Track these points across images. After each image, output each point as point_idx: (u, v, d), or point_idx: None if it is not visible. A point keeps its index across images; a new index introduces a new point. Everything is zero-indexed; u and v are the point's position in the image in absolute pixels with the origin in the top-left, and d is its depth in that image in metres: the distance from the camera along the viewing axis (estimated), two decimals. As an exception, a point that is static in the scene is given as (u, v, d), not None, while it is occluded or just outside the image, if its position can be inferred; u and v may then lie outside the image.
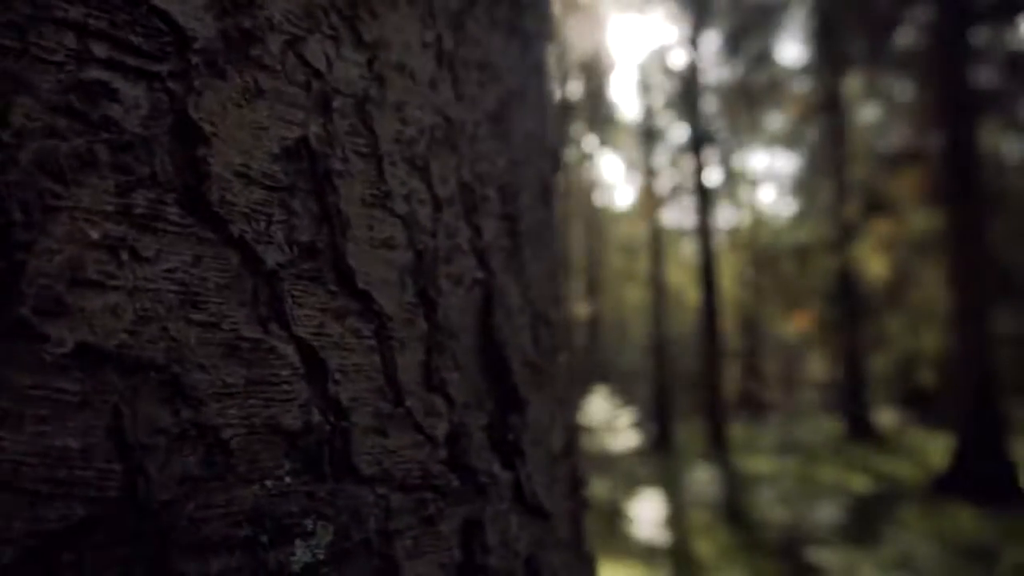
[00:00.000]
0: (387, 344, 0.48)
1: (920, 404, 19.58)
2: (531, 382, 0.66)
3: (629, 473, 13.62)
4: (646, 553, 8.94)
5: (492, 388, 0.58)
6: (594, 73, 25.90)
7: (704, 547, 9.56)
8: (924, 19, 14.36)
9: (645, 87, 18.62)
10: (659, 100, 21.97)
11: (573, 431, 0.84)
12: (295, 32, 0.44)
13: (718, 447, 14.18)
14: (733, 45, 17.76)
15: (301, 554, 0.38)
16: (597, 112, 26.36)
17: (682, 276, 27.04)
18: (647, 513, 9.39)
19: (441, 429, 0.51)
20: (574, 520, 0.74)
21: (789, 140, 22.81)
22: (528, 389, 0.64)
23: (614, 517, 9.76)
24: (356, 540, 0.41)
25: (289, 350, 0.41)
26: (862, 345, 19.05)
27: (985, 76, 15.43)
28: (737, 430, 19.15)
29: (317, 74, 0.46)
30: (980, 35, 14.55)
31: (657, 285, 17.97)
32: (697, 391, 19.20)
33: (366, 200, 0.48)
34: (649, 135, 19.23)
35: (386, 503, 0.45)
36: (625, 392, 20.99)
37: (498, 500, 0.56)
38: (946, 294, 13.36)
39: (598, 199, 30.44)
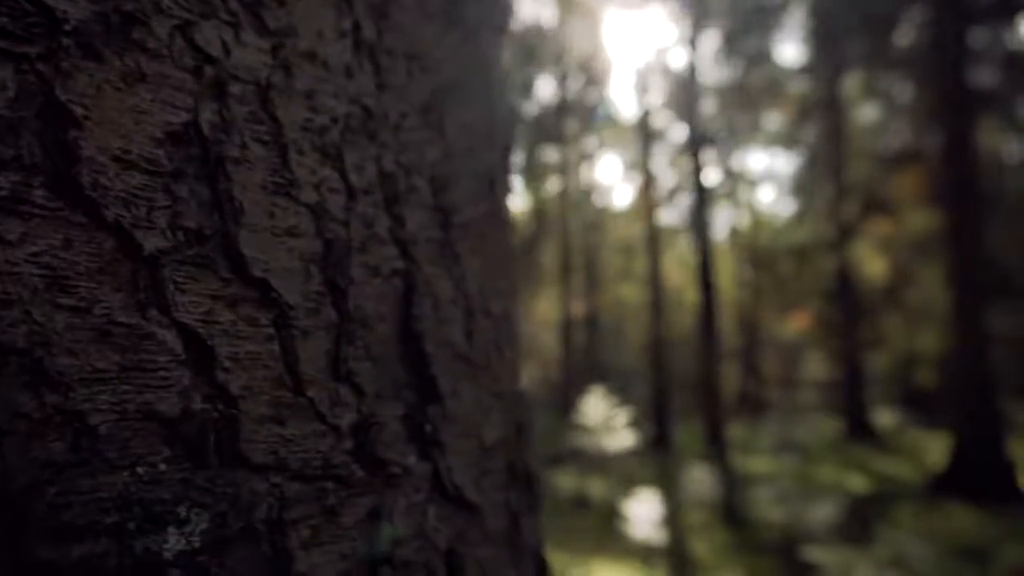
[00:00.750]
0: (287, 333, 0.47)
1: (919, 404, 19.56)
2: (461, 374, 0.66)
3: (627, 473, 13.59)
4: (643, 553, 8.93)
5: (411, 379, 0.57)
6: (593, 73, 25.89)
7: (701, 546, 9.56)
8: (922, 19, 14.35)
9: (643, 87, 18.61)
10: (657, 100, 21.97)
11: (521, 424, 0.84)
12: (186, 17, 0.44)
13: (716, 447, 14.16)
14: (731, 45, 17.75)
15: (174, 541, 0.37)
16: (596, 112, 26.36)
17: (681, 276, 27.03)
18: (644, 513, 9.37)
19: (347, 419, 0.50)
20: (511, 514, 0.73)
21: (788, 140, 22.79)
22: (454, 381, 0.63)
23: (611, 517, 9.75)
24: (236, 528, 0.41)
25: (169, 336, 0.40)
26: (861, 345, 19.04)
27: (983, 76, 15.42)
28: (736, 430, 19.12)
29: (210, 60, 0.45)
30: (978, 35, 14.55)
31: (655, 285, 17.97)
32: (696, 391, 19.19)
33: (267, 188, 0.48)
34: (647, 135, 19.22)
35: (280, 492, 0.45)
36: (624, 392, 20.97)
37: (413, 491, 0.55)
38: (944, 294, 13.34)
39: (597, 199, 30.44)
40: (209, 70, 0.45)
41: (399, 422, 0.55)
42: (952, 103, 12.71)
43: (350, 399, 0.51)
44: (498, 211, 0.82)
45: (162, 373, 0.40)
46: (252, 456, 0.43)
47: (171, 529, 0.37)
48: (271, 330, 0.47)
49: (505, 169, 0.89)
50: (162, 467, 0.38)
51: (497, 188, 0.83)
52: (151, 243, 0.40)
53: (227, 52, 0.46)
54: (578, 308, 25.09)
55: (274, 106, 0.49)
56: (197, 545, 0.38)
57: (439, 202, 0.67)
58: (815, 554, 7.95)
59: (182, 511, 0.38)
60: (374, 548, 0.50)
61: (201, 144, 0.44)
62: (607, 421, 11.51)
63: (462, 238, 0.71)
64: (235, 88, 0.47)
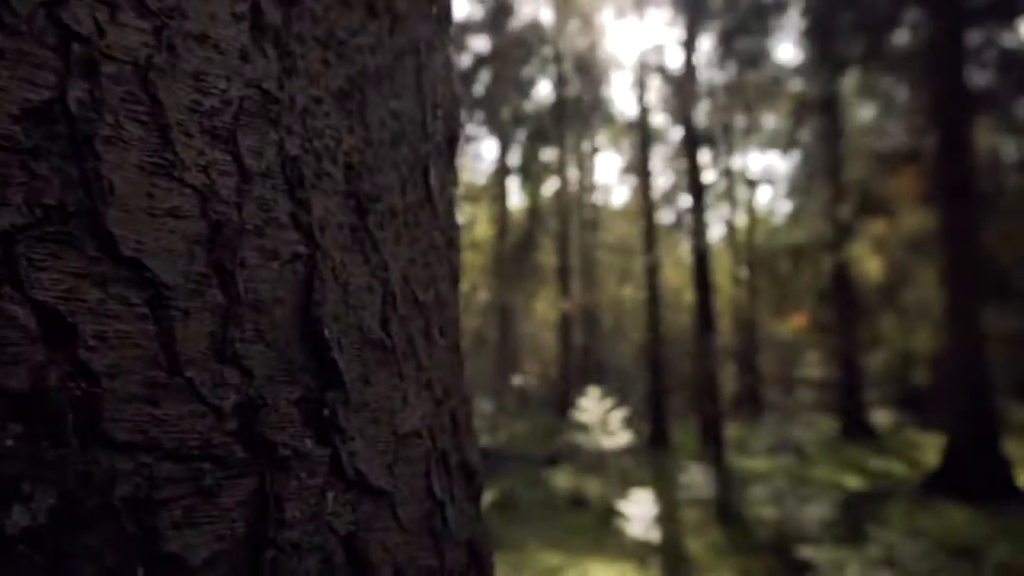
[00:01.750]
0: (164, 313, 0.47)
1: (916, 403, 19.58)
2: (374, 361, 0.66)
3: (623, 472, 13.61)
4: (639, 552, 8.95)
5: (309, 364, 0.57)
6: (591, 73, 25.89)
7: (696, 545, 9.57)
8: (919, 19, 14.34)
9: (641, 87, 18.62)
10: (654, 100, 21.98)
11: (456, 414, 0.84)
12: (53, -4, 0.44)
13: (713, 446, 14.17)
14: (728, 45, 17.77)
15: (19, 518, 0.37)
16: (594, 112, 26.37)
17: (679, 276, 27.04)
18: (640, 511, 9.38)
19: (231, 401, 0.50)
20: (436, 502, 0.73)
21: (785, 140, 22.81)
22: (364, 367, 0.63)
23: (608, 516, 9.77)
24: (91, 506, 0.41)
25: (21, 312, 0.40)
26: (858, 345, 19.05)
27: (980, 76, 15.42)
28: (733, 429, 19.15)
29: (80, 38, 0.45)
30: (976, 35, 14.55)
31: (652, 284, 17.98)
32: (693, 390, 19.19)
33: (145, 168, 0.48)
34: (645, 135, 19.24)
35: (150, 471, 0.45)
36: (622, 391, 20.98)
37: (307, 475, 0.55)
38: (941, 293, 13.34)
39: (595, 198, 30.45)
40: (78, 48, 0.45)
41: (293, 406, 0.55)
42: (948, 103, 12.72)
43: (236, 380, 0.51)
44: (432, 200, 0.82)
45: (11, 349, 0.40)
46: (117, 435, 0.43)
47: (16, 506, 0.37)
48: (145, 310, 0.46)
49: (444, 159, 0.89)
50: (9, 443, 0.38)
51: (432, 178, 0.82)
52: (4, 219, 0.40)
53: (100, 31, 0.46)
54: (576, 308, 25.09)
55: (155, 87, 0.49)
56: (44, 521, 0.38)
57: (354, 189, 0.67)
58: (808, 553, 7.96)
59: (26, 487, 0.38)
60: (260, 531, 0.50)
61: (68, 122, 0.44)
62: (604, 420, 11.51)
63: (383, 226, 0.71)
64: (109, 67, 0.47)
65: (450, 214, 0.84)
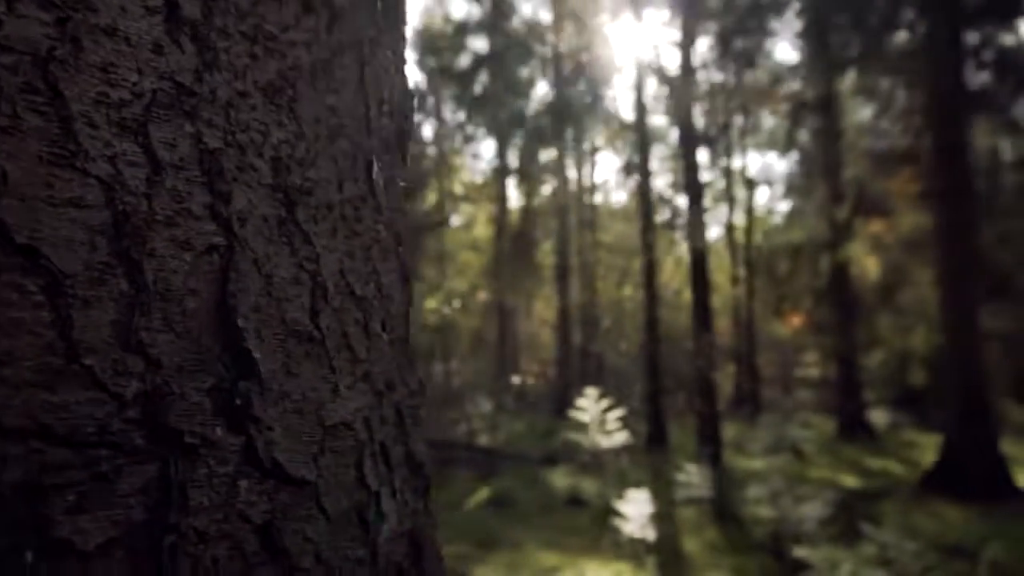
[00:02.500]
0: (62, 301, 0.48)
1: (914, 403, 19.58)
2: (300, 353, 0.66)
3: (621, 472, 13.62)
4: (635, 551, 8.95)
5: (223, 354, 0.58)
6: (589, 73, 25.89)
7: (692, 544, 9.58)
8: (917, 19, 14.34)
9: (639, 87, 18.62)
10: (653, 100, 21.98)
11: (401, 407, 0.84)
12: (-57, -12, 0.44)
13: (712, 446, 14.18)
14: (725, 46, 17.77)
15: None
16: (592, 112, 26.38)
17: (679, 276, 27.04)
18: (636, 511, 9.39)
19: (132, 388, 0.51)
20: (370, 493, 0.73)
21: (783, 140, 22.81)
22: (287, 358, 0.64)
23: (605, 515, 9.77)
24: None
25: (-99, 299, 0.41)
26: (856, 345, 19.05)
27: (978, 76, 15.42)
28: (731, 429, 19.15)
29: (-26, 30, 0.46)
30: (973, 35, 14.55)
31: (650, 284, 17.98)
32: (692, 390, 19.19)
33: (44, 158, 0.49)
34: (643, 135, 19.24)
35: (41, 457, 0.45)
36: (621, 391, 20.99)
37: (216, 463, 0.56)
38: (937, 293, 13.34)
39: (593, 198, 30.46)
40: (-28, 39, 0.46)
41: (204, 395, 0.56)
42: (946, 103, 12.72)
43: (140, 369, 0.52)
44: (376, 195, 0.83)
45: None
46: (5, 420, 0.44)
47: None
48: (41, 297, 0.47)
49: (393, 154, 0.90)
50: None
51: (376, 173, 0.83)
52: None
53: (-2, 23, 0.47)
54: (575, 307, 25.09)
55: (55, 78, 0.50)
56: (-80, 505, 0.39)
57: (283, 182, 0.68)
58: (802, 552, 7.96)
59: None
60: (161, 517, 0.51)
61: (-41, 114, 0.45)
62: (601, 420, 11.52)
63: (317, 219, 0.71)
64: (7, 59, 0.48)
65: (399, 209, 0.85)
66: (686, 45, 16.12)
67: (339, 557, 0.67)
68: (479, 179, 31.55)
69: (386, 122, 0.87)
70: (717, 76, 20.97)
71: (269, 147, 0.66)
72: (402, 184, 0.88)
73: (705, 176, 23.49)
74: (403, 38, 0.91)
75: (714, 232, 33.92)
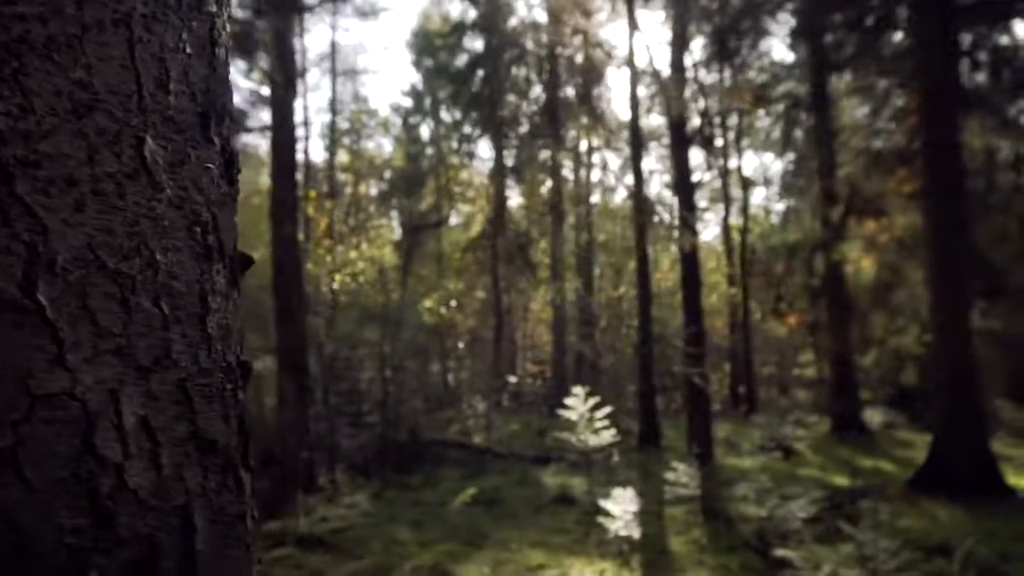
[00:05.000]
0: None
1: (908, 403, 19.56)
2: (8, 322, 0.68)
3: (611, 470, 13.62)
4: (621, 549, 8.96)
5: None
6: (584, 73, 25.89)
7: (678, 542, 9.58)
8: (911, 18, 14.32)
9: (633, 87, 18.61)
10: (647, 100, 21.98)
11: (188, 389, 0.83)
12: None
13: (704, 445, 14.17)
14: (719, 45, 17.75)
15: None
16: (589, 112, 26.38)
17: (673, 275, 27.03)
18: (622, 509, 9.40)
19: None
20: (101, 465, 0.73)
21: (779, 140, 22.80)
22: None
23: (594, 514, 9.78)
24: None
25: None
26: (850, 344, 19.04)
27: (973, 75, 15.40)
28: (726, 428, 19.15)
29: None
30: (967, 35, 14.53)
31: (644, 283, 17.99)
32: (685, 389, 19.17)
33: None
34: (637, 135, 19.24)
35: None
36: (615, 390, 20.98)
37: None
38: (928, 292, 13.32)
39: (589, 197, 30.46)
40: None
41: None
42: (940, 103, 12.70)
43: None
44: (151, 171, 0.82)
45: None
46: None
47: None
48: None
49: (190, 134, 0.88)
50: None
51: (148, 150, 0.82)
52: None
53: None
54: (571, 307, 25.10)
55: None
56: None
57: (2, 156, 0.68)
58: (785, 550, 7.97)
59: None
60: None
61: None
62: (590, 419, 11.52)
63: (48, 193, 0.71)
64: None
65: (195, 188, 0.85)
66: (679, 44, 16.12)
67: (47, 525, 0.67)
68: (477, 179, 31.57)
69: (174, 101, 0.86)
70: (712, 75, 20.97)
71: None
72: (209, 167, 0.88)
73: (699, 175, 23.48)
74: (213, 24, 0.90)
75: (711, 232, 33.91)
